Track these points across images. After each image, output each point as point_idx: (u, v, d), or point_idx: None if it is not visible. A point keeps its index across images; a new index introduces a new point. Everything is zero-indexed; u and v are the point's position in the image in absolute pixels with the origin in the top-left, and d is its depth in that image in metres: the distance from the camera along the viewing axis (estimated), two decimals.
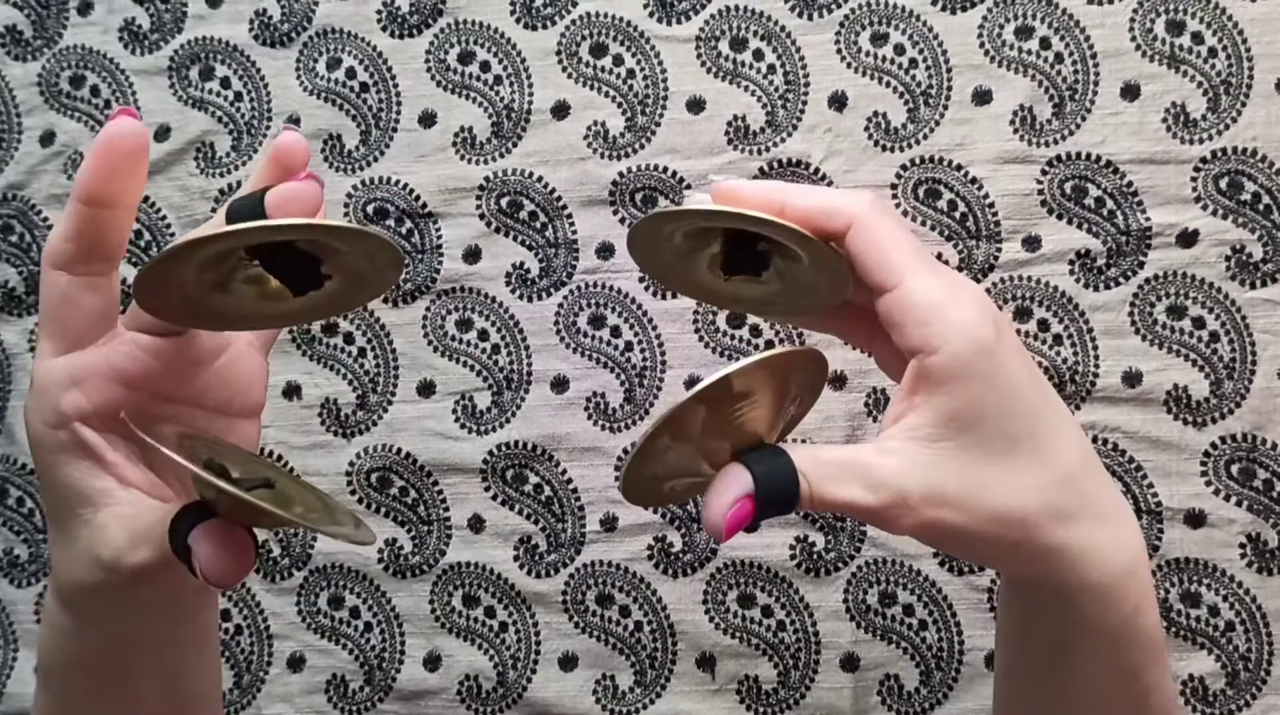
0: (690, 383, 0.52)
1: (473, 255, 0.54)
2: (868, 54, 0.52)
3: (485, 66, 0.54)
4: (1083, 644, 0.33)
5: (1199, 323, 0.50)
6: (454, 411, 0.53)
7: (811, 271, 0.34)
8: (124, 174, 0.32)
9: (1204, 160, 0.50)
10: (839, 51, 0.53)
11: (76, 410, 0.31)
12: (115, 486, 0.32)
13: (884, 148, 0.52)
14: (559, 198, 0.54)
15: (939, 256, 0.51)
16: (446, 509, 0.53)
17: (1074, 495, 0.31)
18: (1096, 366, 0.50)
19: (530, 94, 0.54)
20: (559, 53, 0.54)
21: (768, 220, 0.32)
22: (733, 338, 0.53)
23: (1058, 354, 0.51)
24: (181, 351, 0.34)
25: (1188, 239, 0.50)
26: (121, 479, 0.33)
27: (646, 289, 0.53)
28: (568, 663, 0.52)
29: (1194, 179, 0.50)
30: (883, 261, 0.31)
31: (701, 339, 0.53)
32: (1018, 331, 0.51)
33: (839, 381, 0.52)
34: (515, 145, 0.54)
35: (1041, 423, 0.31)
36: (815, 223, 0.32)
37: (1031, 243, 0.51)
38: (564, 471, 0.53)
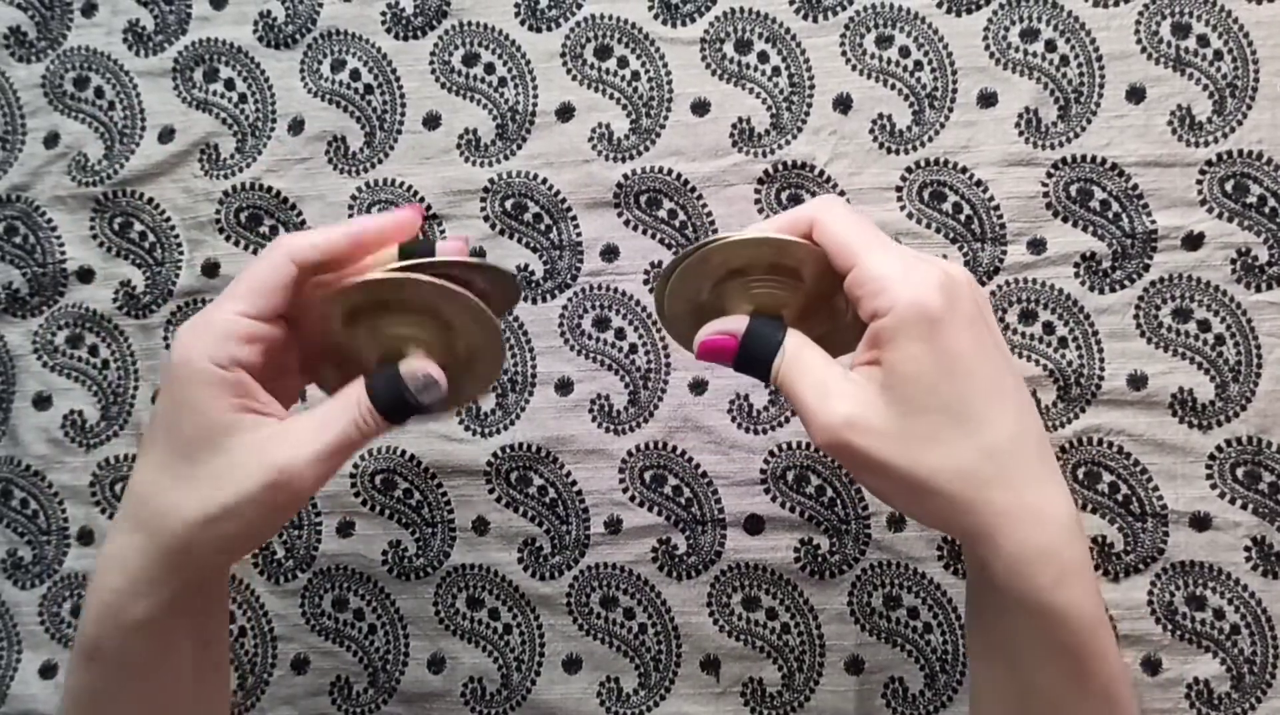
0: (695, 385, 0.52)
1: (477, 257, 0.54)
2: (873, 56, 0.52)
3: (490, 68, 0.54)
4: (1010, 613, 0.35)
5: (1204, 326, 0.50)
6: (458, 413, 0.53)
7: (816, 284, 0.38)
8: (383, 245, 0.40)
9: (1209, 163, 0.50)
10: (844, 54, 0.53)
11: (251, 361, 0.37)
12: (263, 418, 0.37)
13: (889, 150, 0.52)
14: (563, 200, 0.53)
15: (941, 257, 0.51)
16: (450, 511, 0.53)
17: (992, 466, 0.34)
18: (1101, 369, 0.50)
19: (535, 96, 0.54)
20: (563, 55, 0.54)
21: (750, 238, 0.37)
22: None
23: (1063, 357, 0.51)
24: (290, 358, 0.41)
25: (1193, 242, 0.50)
26: (267, 415, 0.37)
27: (651, 291, 0.53)
28: (572, 665, 0.52)
29: (1199, 182, 0.50)
30: (841, 246, 0.36)
31: None
32: (1019, 333, 0.51)
33: None
34: (520, 147, 0.54)
35: (976, 392, 0.34)
36: (791, 232, 0.37)
37: (1036, 245, 0.51)
38: (568, 474, 0.53)
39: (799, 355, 0.36)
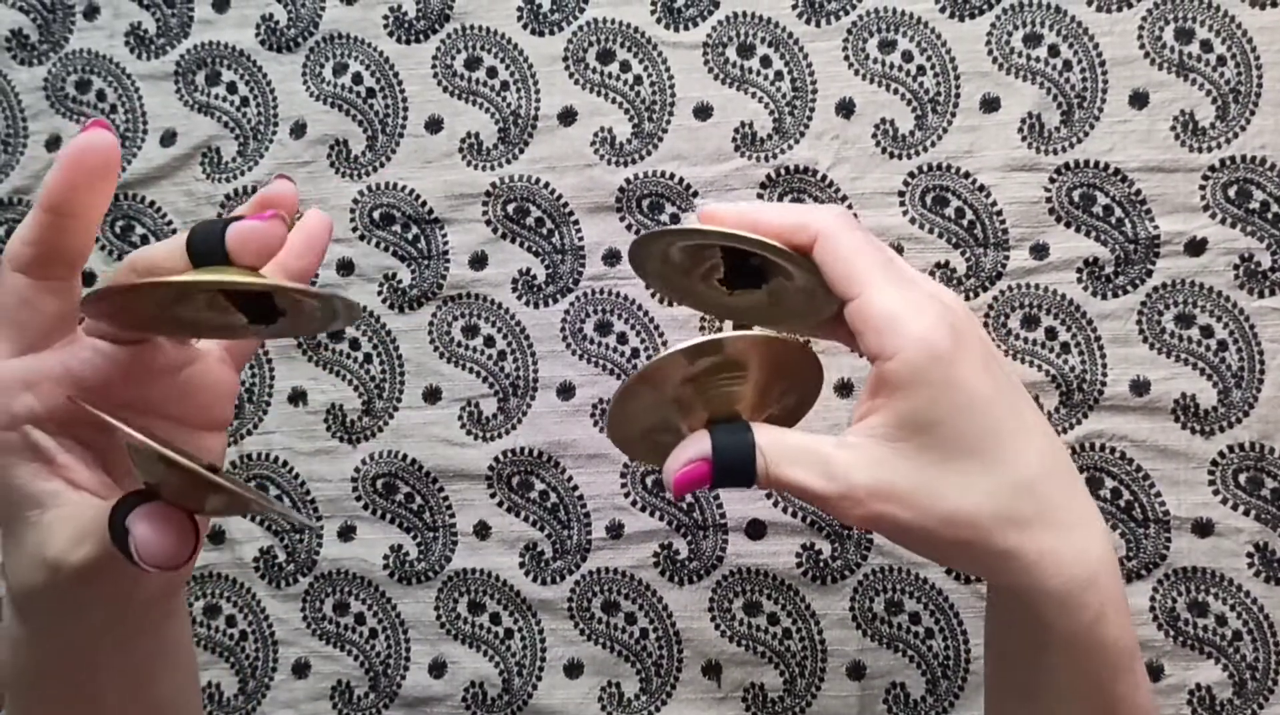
0: None
1: (479, 261, 0.54)
2: (875, 61, 0.52)
3: (492, 72, 0.54)
4: (1047, 650, 0.34)
5: (1207, 331, 0.50)
6: (460, 418, 0.53)
7: (804, 285, 0.36)
8: (90, 186, 0.31)
9: (1212, 168, 0.50)
10: (847, 58, 0.53)
11: (28, 412, 0.31)
12: (64, 488, 0.32)
13: (892, 155, 0.52)
14: (566, 204, 0.53)
15: (941, 265, 0.51)
16: (452, 515, 0.53)
17: (1030, 502, 0.32)
18: (1104, 375, 0.50)
19: (537, 100, 0.54)
20: (566, 59, 0.54)
21: (740, 235, 0.34)
22: None
23: (1065, 362, 0.50)
24: (142, 360, 0.34)
25: (1196, 247, 0.50)
26: (72, 482, 0.32)
27: (653, 296, 0.53)
28: (573, 670, 0.52)
29: (1202, 187, 0.50)
30: (845, 273, 0.33)
31: None
32: (1022, 338, 0.51)
33: (845, 389, 0.51)
34: (522, 151, 0.54)
35: (1000, 429, 0.32)
36: (786, 238, 0.34)
37: (1039, 251, 0.51)
38: (570, 478, 0.53)
39: (779, 447, 0.33)
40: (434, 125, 0.55)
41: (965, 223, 0.51)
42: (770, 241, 0.34)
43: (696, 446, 0.34)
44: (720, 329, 0.52)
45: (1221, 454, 0.50)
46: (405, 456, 0.53)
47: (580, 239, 0.53)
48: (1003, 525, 0.32)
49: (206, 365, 0.36)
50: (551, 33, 0.54)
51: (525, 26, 0.54)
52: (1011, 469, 0.32)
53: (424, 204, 0.54)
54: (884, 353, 0.32)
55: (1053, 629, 0.33)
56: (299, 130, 0.55)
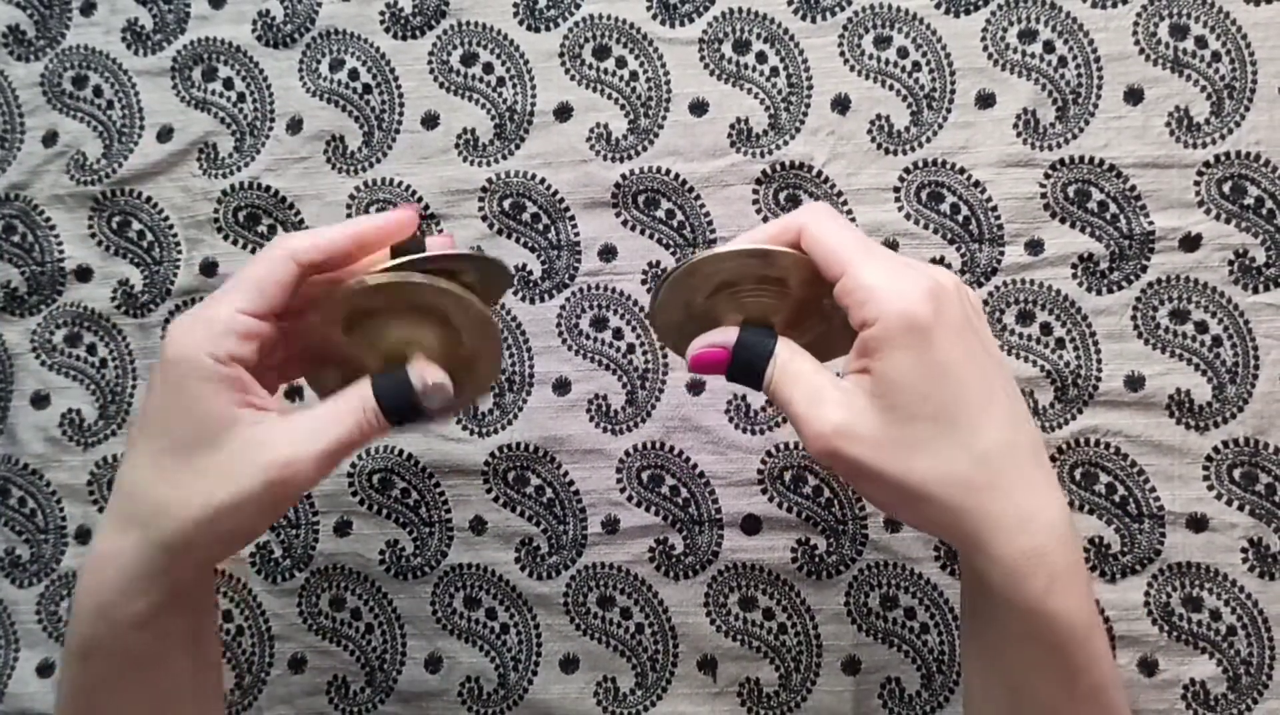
0: (692, 386, 0.52)
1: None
2: (871, 57, 0.52)
3: (488, 68, 0.54)
4: (1002, 617, 0.36)
5: (1202, 327, 0.50)
6: (457, 417, 0.53)
7: (805, 290, 0.39)
8: (388, 241, 0.40)
9: (1207, 164, 0.50)
10: (842, 54, 0.53)
11: (249, 358, 0.37)
12: (263, 413, 0.37)
13: (887, 151, 0.52)
14: (561, 200, 0.53)
15: (936, 261, 0.51)
16: (448, 511, 0.53)
17: (983, 471, 0.34)
18: (1099, 370, 0.50)
19: (533, 96, 0.54)
20: (562, 54, 0.54)
21: (745, 250, 0.38)
22: None
23: (1060, 358, 0.51)
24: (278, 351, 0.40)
25: (1190, 243, 0.50)
26: (265, 410, 0.37)
27: (649, 291, 0.53)
28: (569, 665, 0.52)
29: (1197, 183, 0.50)
30: (829, 255, 0.36)
31: None
32: (1017, 333, 0.51)
33: None
34: (518, 147, 0.54)
35: (966, 400, 0.34)
36: (780, 241, 0.37)
37: (1034, 246, 0.51)
38: (565, 473, 0.53)
39: (790, 364, 0.37)
40: (430, 121, 0.55)
41: (960, 218, 0.51)
42: (769, 246, 0.37)
43: (724, 335, 0.38)
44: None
45: (1216, 449, 0.50)
46: (401, 452, 0.53)
47: (576, 235, 0.53)
48: (954, 488, 0.34)
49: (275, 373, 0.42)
50: (547, 28, 0.54)
51: (521, 22, 0.55)
52: (970, 437, 0.34)
53: (420, 200, 0.54)
54: (867, 320, 0.35)
55: (1001, 596, 0.35)
56: (295, 126, 0.55)
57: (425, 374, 0.38)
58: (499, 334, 0.39)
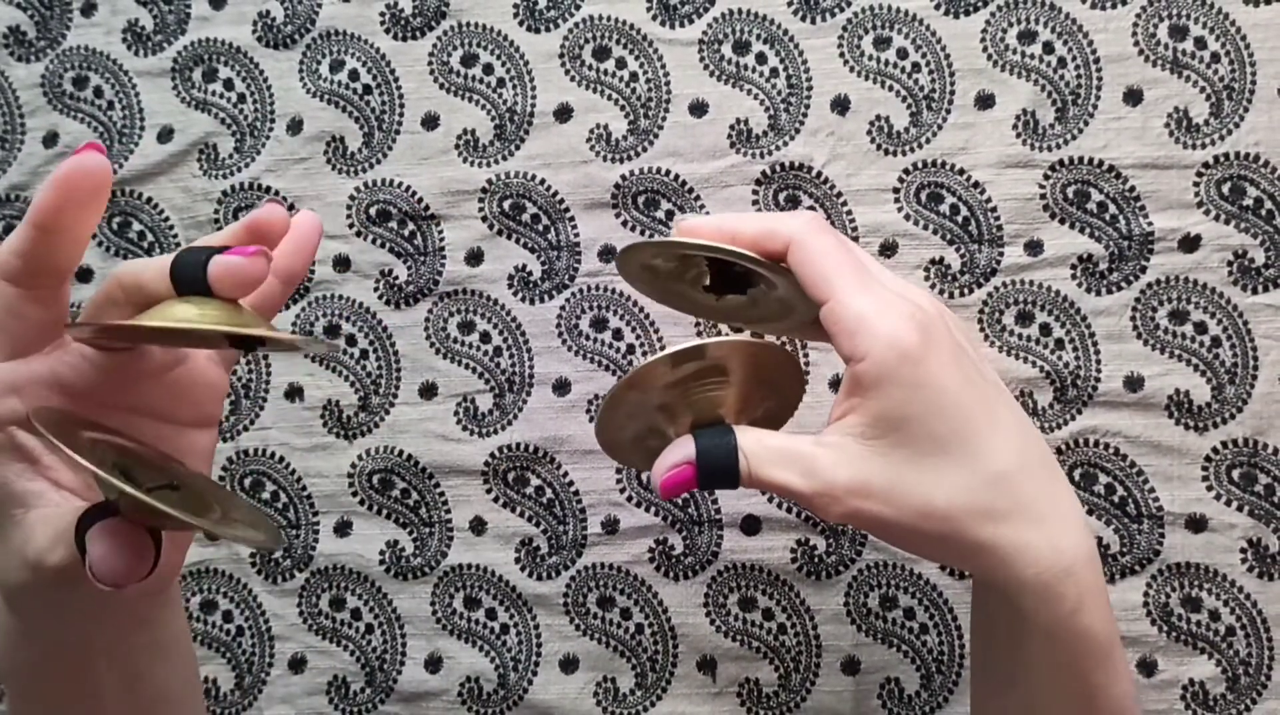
0: None
1: (475, 258, 0.54)
2: (870, 58, 0.52)
3: (488, 69, 0.55)
4: (1027, 640, 0.35)
5: (1201, 328, 0.50)
6: (456, 414, 0.53)
7: (784, 292, 0.37)
8: (79, 206, 0.32)
9: (1206, 165, 0.50)
10: (842, 55, 0.53)
11: (13, 415, 0.32)
12: (48, 488, 0.33)
13: (886, 152, 0.52)
14: (561, 200, 0.54)
15: (935, 261, 0.51)
16: (448, 511, 0.53)
17: (1004, 496, 0.33)
18: (1098, 371, 0.50)
19: (533, 97, 0.54)
20: (562, 55, 0.54)
21: (715, 247, 0.35)
22: None
23: (1059, 358, 0.51)
24: (129, 364, 0.34)
25: (1190, 244, 0.50)
26: (55, 482, 0.33)
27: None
28: (569, 665, 0.52)
29: (1196, 184, 0.50)
30: (816, 277, 0.34)
31: None
32: (1016, 334, 0.51)
33: (839, 386, 0.52)
34: (518, 148, 0.54)
35: (971, 425, 0.33)
36: (760, 246, 0.35)
37: (1034, 247, 0.51)
38: (565, 474, 0.53)
39: (760, 449, 0.34)
40: (430, 122, 0.55)
41: (960, 219, 0.51)
42: (745, 252, 0.35)
43: (681, 451, 0.35)
44: (716, 333, 0.52)
45: (1215, 450, 0.50)
46: (401, 452, 0.54)
47: (576, 235, 0.53)
48: (977, 518, 0.33)
49: (196, 365, 0.37)
50: (547, 29, 0.54)
51: (521, 23, 0.55)
52: (984, 463, 0.33)
53: (420, 200, 0.54)
54: (855, 354, 0.33)
55: (1031, 619, 0.34)
56: (296, 127, 0.55)
57: (98, 540, 0.31)
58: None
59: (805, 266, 0.34)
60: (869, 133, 0.52)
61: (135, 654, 0.38)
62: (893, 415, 0.33)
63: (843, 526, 0.51)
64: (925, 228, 0.52)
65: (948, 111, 0.52)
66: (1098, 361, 0.50)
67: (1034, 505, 0.33)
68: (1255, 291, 0.50)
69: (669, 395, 0.36)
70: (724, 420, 0.36)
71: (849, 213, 0.52)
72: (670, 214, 0.53)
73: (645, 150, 0.53)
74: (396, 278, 0.54)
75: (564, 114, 0.54)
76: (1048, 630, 0.33)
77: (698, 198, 0.53)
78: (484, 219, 0.54)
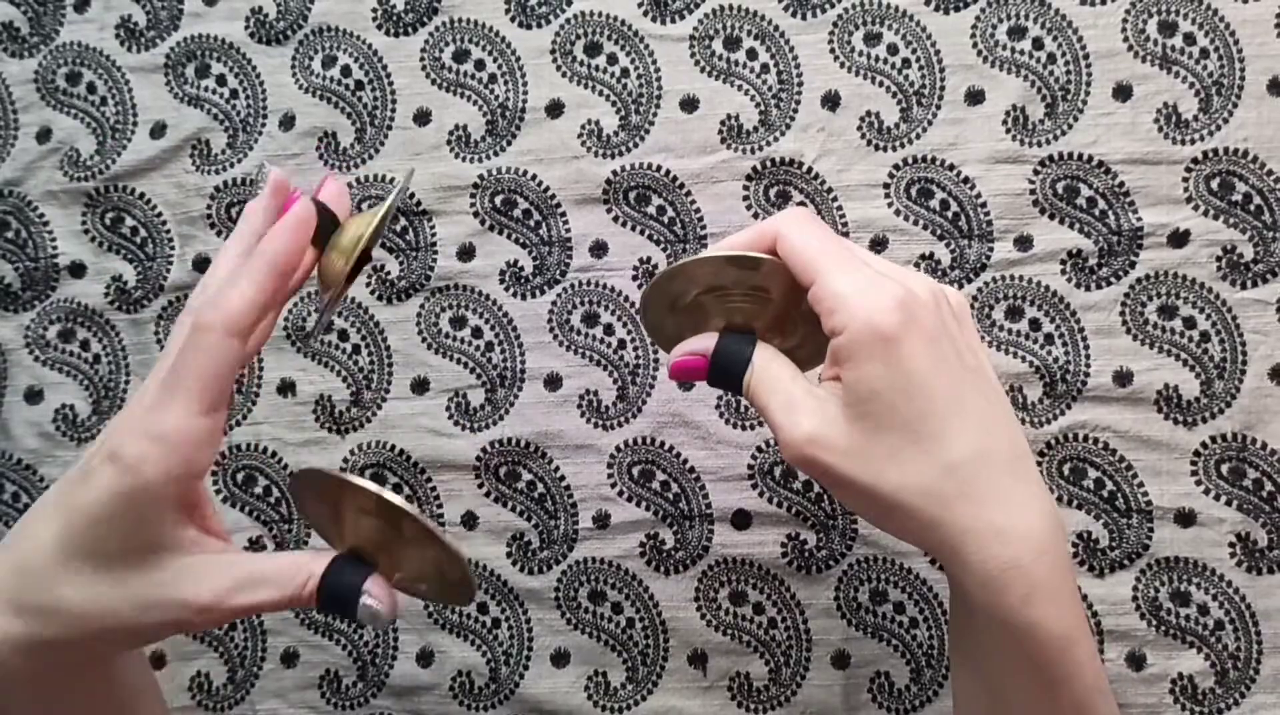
0: (683, 382, 0.53)
1: (467, 253, 0.54)
2: (861, 54, 0.53)
3: (480, 65, 0.55)
4: (981, 625, 0.36)
5: (1190, 323, 0.50)
6: (447, 408, 0.54)
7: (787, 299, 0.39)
8: (300, 254, 0.37)
9: (1195, 161, 0.51)
10: (832, 51, 0.53)
11: (205, 467, 0.35)
12: (206, 539, 0.36)
13: (877, 147, 0.52)
14: (553, 196, 0.54)
15: (926, 257, 0.51)
16: (440, 506, 0.54)
17: (954, 482, 0.34)
18: (1088, 366, 0.51)
19: (525, 92, 0.54)
20: (553, 51, 0.54)
21: (724, 256, 0.37)
22: None
23: (1049, 353, 0.51)
24: None
25: (1179, 239, 0.50)
26: (209, 532, 0.36)
27: (639, 287, 0.53)
28: (560, 659, 0.53)
29: (1185, 179, 0.50)
30: (802, 262, 0.36)
31: None
32: (1006, 329, 0.51)
33: None
34: (509, 143, 0.54)
35: (934, 409, 0.34)
36: (758, 247, 0.37)
37: (1023, 242, 0.51)
38: (557, 468, 0.53)
39: (767, 370, 0.37)
40: (422, 118, 0.55)
41: (950, 215, 0.52)
42: (743, 253, 0.37)
43: (703, 342, 0.38)
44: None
45: (1204, 444, 0.50)
46: (393, 447, 0.54)
47: (567, 231, 0.54)
48: (925, 498, 0.34)
49: None
50: (539, 25, 0.55)
51: (513, 19, 0.55)
52: (939, 448, 0.34)
53: (412, 196, 0.54)
54: (835, 329, 0.35)
55: (979, 605, 0.34)
56: (288, 123, 0.55)
57: (377, 596, 0.35)
58: (469, 577, 0.37)
59: (792, 254, 0.36)
60: (859, 128, 0.52)
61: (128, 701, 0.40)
62: (862, 389, 0.34)
63: (833, 521, 0.51)
64: (915, 223, 0.52)
65: (938, 107, 0.52)
66: (1087, 356, 0.51)
67: (986, 495, 0.34)
68: (1244, 286, 0.50)
69: (714, 294, 0.38)
70: (753, 331, 0.39)
71: (839, 208, 0.52)
72: (661, 209, 0.53)
73: (636, 146, 0.53)
74: (388, 273, 0.54)
75: (555, 110, 0.54)
76: (997, 619, 0.34)
77: (689, 193, 0.53)
78: (476, 214, 0.54)
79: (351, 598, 0.35)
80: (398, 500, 0.35)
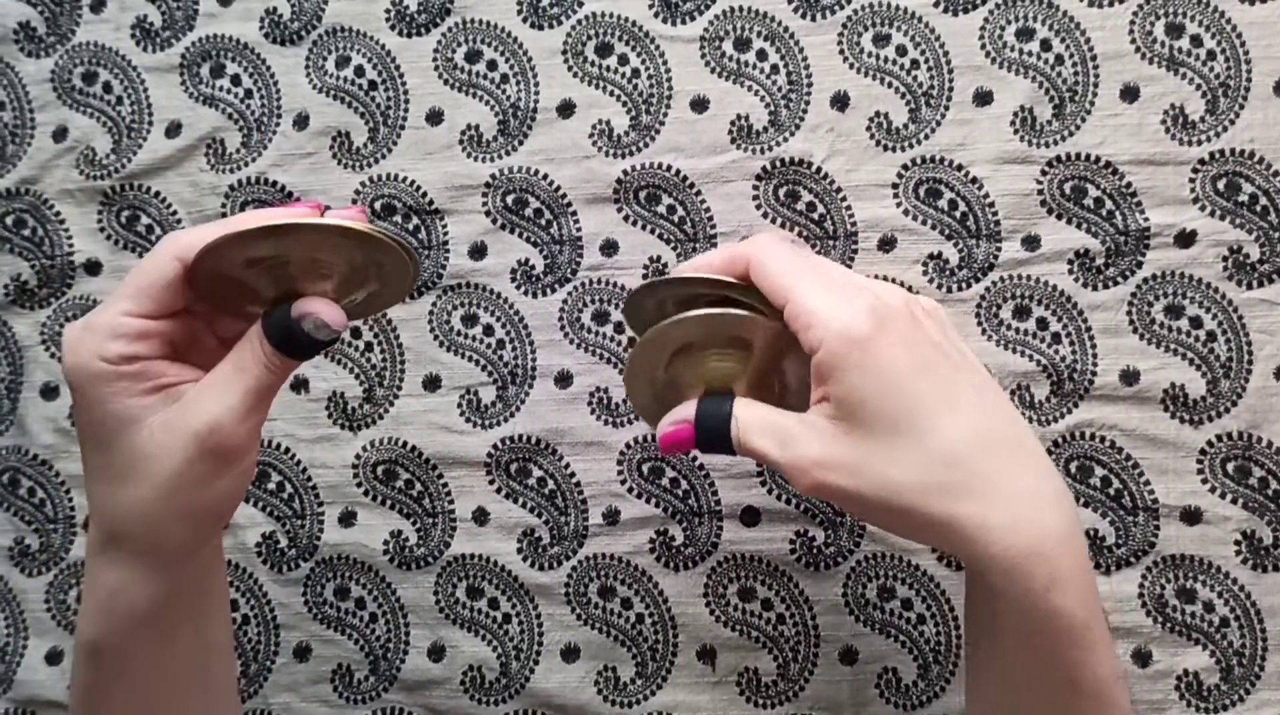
0: None
1: (478, 251, 0.55)
2: (870, 55, 0.53)
3: (492, 65, 0.55)
4: (1002, 616, 0.36)
5: (1196, 322, 0.51)
6: (459, 406, 0.54)
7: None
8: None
9: (1202, 162, 0.51)
10: (841, 52, 0.53)
11: (144, 352, 0.37)
12: (178, 389, 0.37)
13: (886, 147, 0.53)
14: (564, 195, 0.54)
15: (934, 256, 0.52)
16: (451, 502, 0.54)
17: (958, 473, 0.34)
18: (1094, 365, 0.51)
19: (536, 93, 0.55)
20: (565, 52, 0.55)
21: (699, 278, 0.39)
22: None
23: (1056, 352, 0.51)
24: (204, 338, 0.40)
25: (1185, 239, 0.51)
26: (180, 383, 0.37)
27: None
28: (570, 654, 0.53)
29: (1192, 180, 0.51)
30: (773, 285, 0.37)
31: None
32: (1013, 328, 0.51)
33: None
34: (521, 143, 0.55)
35: (922, 405, 0.35)
36: (729, 269, 0.39)
37: (1031, 242, 0.52)
38: (567, 465, 0.53)
39: (749, 417, 0.37)
40: (435, 117, 0.55)
41: (958, 214, 0.52)
42: (722, 277, 0.39)
43: (683, 411, 0.39)
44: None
45: (1210, 443, 0.50)
46: (405, 443, 0.54)
47: (578, 230, 0.54)
48: (932, 494, 0.34)
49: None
50: (550, 26, 0.55)
51: (525, 20, 0.55)
52: (935, 442, 0.34)
53: (424, 195, 0.55)
54: (812, 346, 0.35)
55: (1000, 595, 0.35)
56: (302, 122, 0.56)
57: (304, 307, 0.37)
58: (375, 237, 0.38)
59: (765, 278, 0.37)
60: (868, 129, 0.53)
61: (202, 601, 0.41)
62: (849, 399, 0.35)
63: (841, 518, 0.52)
64: (924, 223, 0.52)
65: (946, 108, 0.52)
66: (1094, 355, 0.51)
67: (992, 483, 0.34)
68: (1250, 286, 0.50)
69: (692, 354, 0.39)
70: (732, 391, 0.39)
71: (848, 208, 0.53)
72: (671, 209, 0.54)
73: (647, 146, 0.54)
74: None
75: (566, 110, 0.54)
76: (1018, 608, 0.34)
77: (699, 193, 0.53)
78: (487, 213, 0.55)
79: (290, 324, 0.37)
80: (276, 216, 0.37)
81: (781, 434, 0.36)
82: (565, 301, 0.54)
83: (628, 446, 0.53)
